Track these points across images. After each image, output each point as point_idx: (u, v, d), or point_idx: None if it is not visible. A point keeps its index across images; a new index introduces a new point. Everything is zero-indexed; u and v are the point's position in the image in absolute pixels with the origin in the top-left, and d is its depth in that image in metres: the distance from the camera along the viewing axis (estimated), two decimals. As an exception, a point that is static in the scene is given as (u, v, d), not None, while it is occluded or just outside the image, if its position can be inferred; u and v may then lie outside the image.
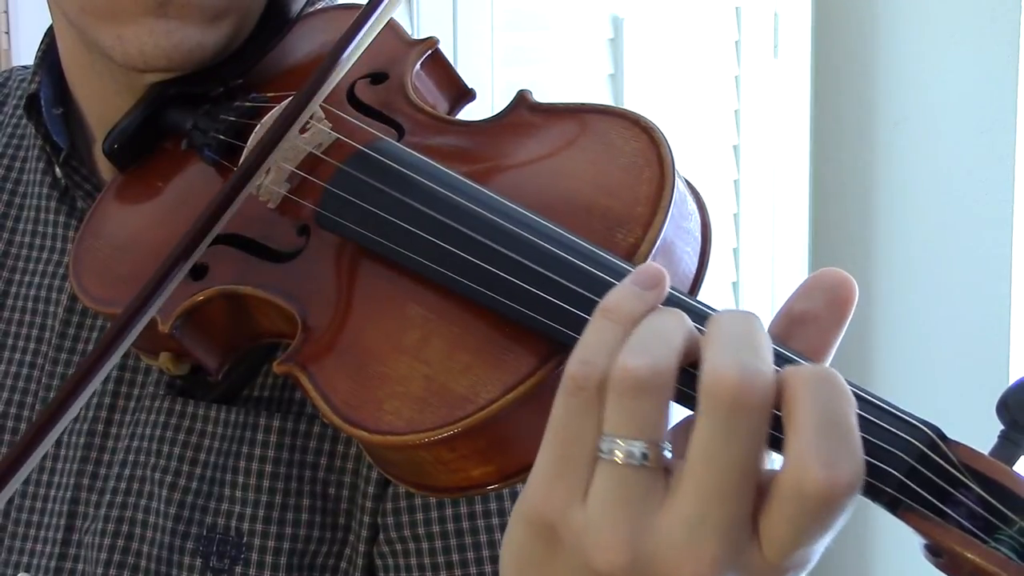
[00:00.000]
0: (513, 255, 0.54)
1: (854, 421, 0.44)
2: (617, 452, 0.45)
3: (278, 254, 0.65)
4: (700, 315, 0.49)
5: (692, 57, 2.12)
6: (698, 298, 0.52)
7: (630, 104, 2.06)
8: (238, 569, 0.73)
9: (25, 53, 1.68)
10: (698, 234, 0.58)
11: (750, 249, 2.17)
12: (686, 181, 0.60)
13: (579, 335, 0.47)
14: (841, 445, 0.43)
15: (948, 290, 2.10)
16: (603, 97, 2.03)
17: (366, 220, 0.60)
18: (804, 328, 0.49)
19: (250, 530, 0.73)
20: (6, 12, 1.69)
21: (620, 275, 0.50)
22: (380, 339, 0.57)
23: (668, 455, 0.46)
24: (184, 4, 0.70)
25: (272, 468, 0.74)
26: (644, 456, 0.45)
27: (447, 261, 0.56)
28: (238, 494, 0.74)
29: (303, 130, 0.66)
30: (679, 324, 0.46)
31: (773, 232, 2.19)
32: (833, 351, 0.49)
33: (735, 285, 2.17)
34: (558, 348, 0.52)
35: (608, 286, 0.49)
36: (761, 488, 0.45)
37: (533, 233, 0.54)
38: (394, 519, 0.73)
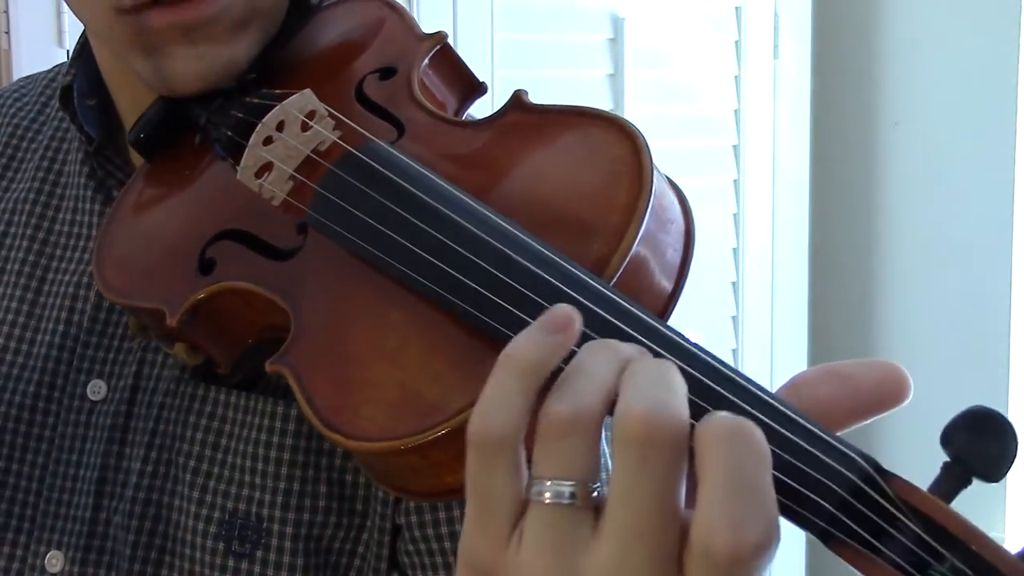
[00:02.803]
0: (483, 265, 0.53)
1: (768, 481, 0.43)
2: (546, 493, 0.45)
3: (280, 252, 0.65)
4: (667, 339, 0.48)
5: (692, 57, 2.12)
6: (667, 323, 0.51)
7: (630, 104, 2.07)
8: (259, 554, 0.74)
9: (25, 53, 1.68)
10: (680, 243, 0.58)
11: (750, 249, 2.17)
12: (673, 186, 0.59)
13: None
14: (750, 507, 0.42)
15: (948, 290, 2.10)
16: (603, 97, 2.03)
17: (349, 222, 0.60)
18: (839, 384, 0.48)
19: (269, 515, 0.74)
20: (6, 12, 1.69)
21: (590, 292, 0.50)
22: (361, 343, 0.57)
23: (597, 494, 0.45)
24: (208, 26, 0.70)
25: (290, 455, 0.74)
26: (572, 495, 0.44)
27: (420, 267, 0.56)
28: (257, 480, 0.75)
29: (304, 128, 0.67)
30: (608, 361, 0.46)
31: (773, 232, 2.19)
32: (846, 424, 0.48)
33: (735, 285, 2.17)
34: None
35: (576, 303, 0.48)
36: (684, 529, 0.44)
37: (509, 245, 0.54)
38: (417, 518, 0.74)
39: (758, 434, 0.43)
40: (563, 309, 0.47)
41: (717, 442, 0.43)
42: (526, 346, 0.46)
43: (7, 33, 1.69)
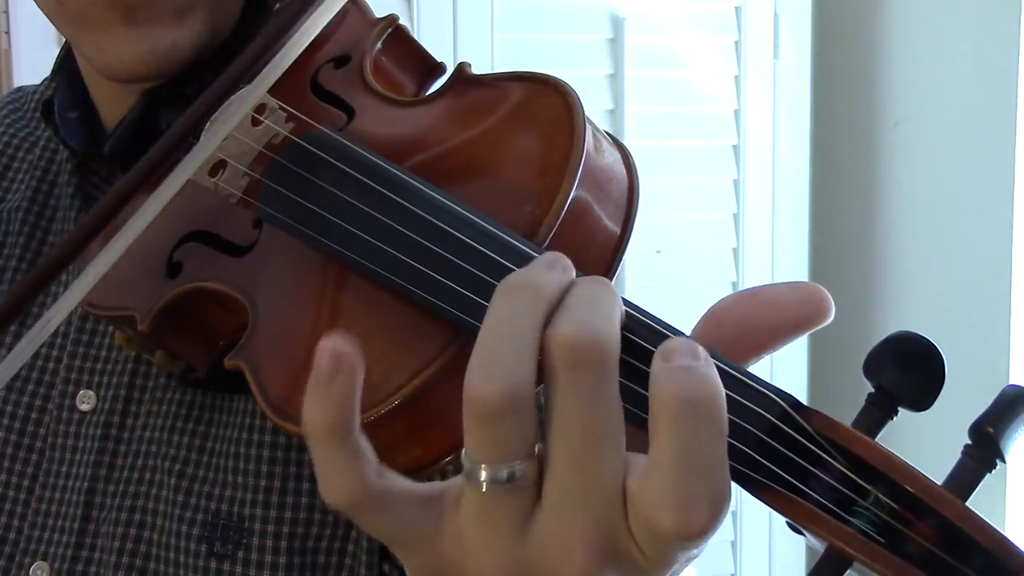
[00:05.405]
0: (421, 241, 0.54)
1: (723, 458, 0.41)
2: (482, 476, 0.42)
3: (238, 248, 0.65)
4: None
5: (692, 57, 2.12)
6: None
7: (630, 104, 2.07)
8: (240, 554, 0.73)
9: (25, 53, 1.68)
10: (623, 199, 0.57)
11: (750, 249, 2.17)
12: (616, 143, 0.59)
13: (477, 320, 0.44)
14: (700, 487, 0.40)
15: (948, 290, 2.10)
16: (603, 97, 2.03)
17: (293, 210, 0.61)
18: (761, 306, 0.46)
19: (251, 515, 0.74)
20: (6, 12, 1.70)
21: (523, 258, 0.50)
22: (310, 330, 0.58)
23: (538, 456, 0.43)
24: (151, 6, 0.71)
25: (269, 452, 0.74)
26: (511, 477, 0.42)
27: (360, 248, 0.56)
28: (240, 479, 0.74)
29: (255, 124, 0.67)
30: (531, 313, 0.43)
31: (773, 232, 2.19)
32: (768, 345, 0.46)
33: (735, 285, 2.17)
34: (460, 331, 0.51)
35: (508, 270, 0.48)
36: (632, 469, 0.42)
37: (445, 219, 0.54)
38: None
39: (716, 404, 0.41)
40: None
41: (673, 415, 0.41)
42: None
43: (7, 33, 1.69)
